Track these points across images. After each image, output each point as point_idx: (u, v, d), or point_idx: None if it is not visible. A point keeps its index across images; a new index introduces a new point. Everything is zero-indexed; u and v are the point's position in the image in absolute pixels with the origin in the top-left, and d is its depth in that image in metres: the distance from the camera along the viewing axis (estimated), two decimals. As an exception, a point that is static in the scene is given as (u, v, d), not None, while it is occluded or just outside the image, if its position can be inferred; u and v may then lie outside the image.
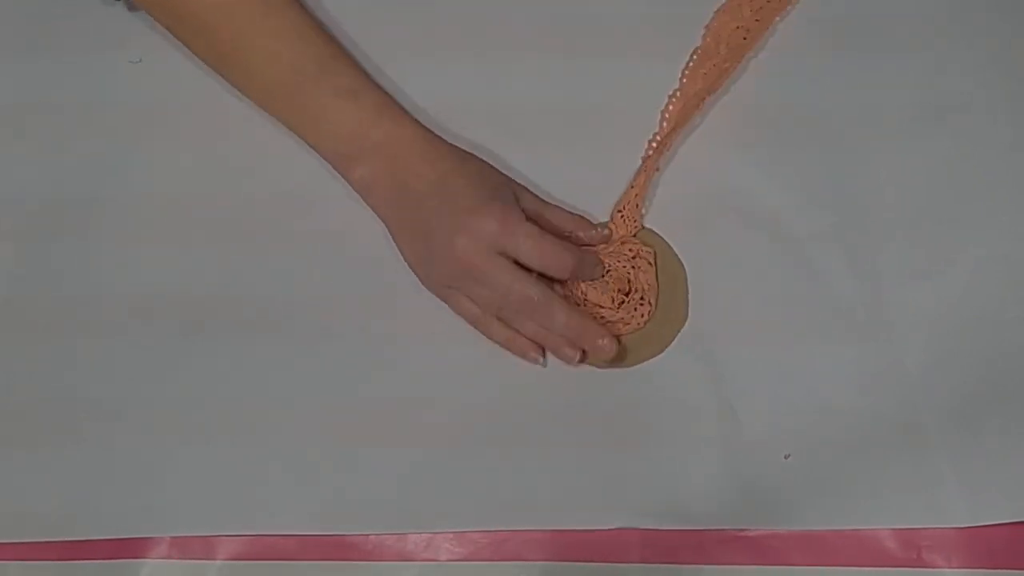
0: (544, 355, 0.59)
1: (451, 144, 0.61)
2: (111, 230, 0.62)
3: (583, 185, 0.63)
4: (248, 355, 0.60)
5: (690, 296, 0.61)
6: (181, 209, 0.63)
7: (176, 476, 0.58)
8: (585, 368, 0.59)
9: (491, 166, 0.61)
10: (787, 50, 0.66)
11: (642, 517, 0.57)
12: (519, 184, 0.62)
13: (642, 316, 0.60)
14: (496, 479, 0.58)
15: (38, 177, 0.64)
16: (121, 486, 0.57)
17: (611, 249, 0.61)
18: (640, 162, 0.63)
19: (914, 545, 0.56)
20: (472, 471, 0.58)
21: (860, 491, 0.57)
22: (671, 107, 0.64)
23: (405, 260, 0.60)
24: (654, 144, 0.64)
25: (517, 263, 0.57)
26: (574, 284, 0.60)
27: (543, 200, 0.62)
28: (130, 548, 0.57)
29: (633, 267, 0.61)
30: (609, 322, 0.60)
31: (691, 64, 0.65)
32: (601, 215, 0.63)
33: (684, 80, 0.65)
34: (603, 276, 0.60)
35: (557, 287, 0.60)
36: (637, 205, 0.62)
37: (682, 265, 0.61)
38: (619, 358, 0.59)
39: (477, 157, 0.61)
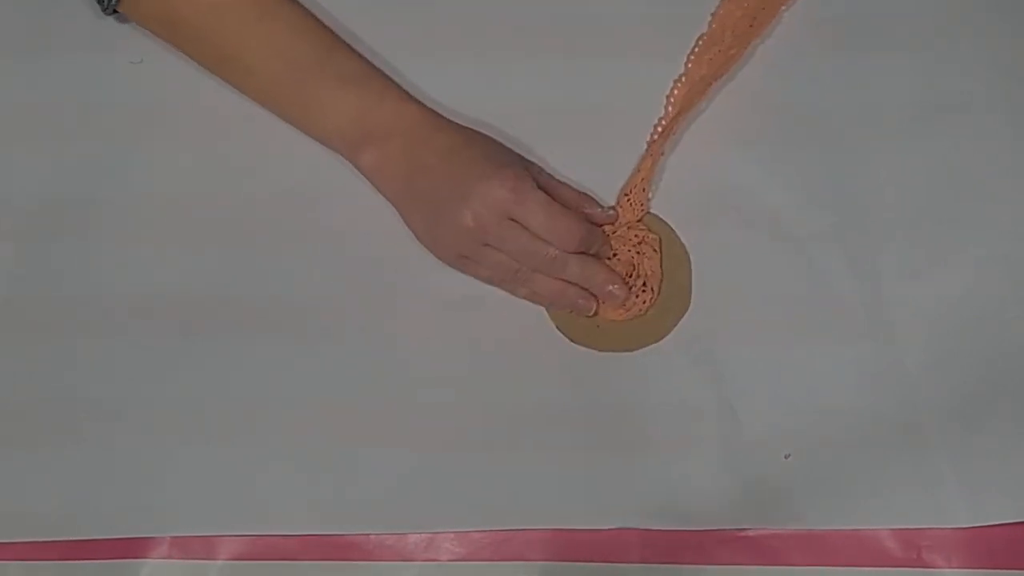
0: (597, 302, 0.60)
1: (457, 123, 0.61)
2: (111, 230, 0.62)
3: (582, 185, 0.63)
4: (248, 355, 0.60)
5: (693, 285, 0.61)
6: (181, 209, 0.63)
7: (176, 476, 0.58)
8: (588, 356, 0.60)
9: (498, 141, 0.62)
10: (787, 50, 0.66)
11: (642, 517, 0.57)
12: (527, 159, 0.62)
13: (644, 302, 0.60)
14: (496, 479, 0.58)
15: (38, 177, 0.64)
16: (121, 486, 0.58)
17: (617, 234, 0.62)
18: (645, 147, 0.63)
19: (914, 545, 0.56)
20: (472, 471, 0.58)
21: (860, 491, 0.57)
22: (676, 91, 0.64)
23: (417, 237, 0.61)
24: (659, 128, 0.64)
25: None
26: None
27: (551, 176, 0.62)
28: (130, 548, 0.57)
29: (638, 253, 0.61)
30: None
31: (696, 49, 0.65)
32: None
33: (689, 65, 0.65)
34: (609, 259, 0.61)
35: None
36: (644, 189, 0.62)
37: (686, 252, 0.62)
38: (622, 342, 0.59)
39: (483, 133, 0.62)
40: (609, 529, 0.57)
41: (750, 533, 0.57)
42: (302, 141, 0.63)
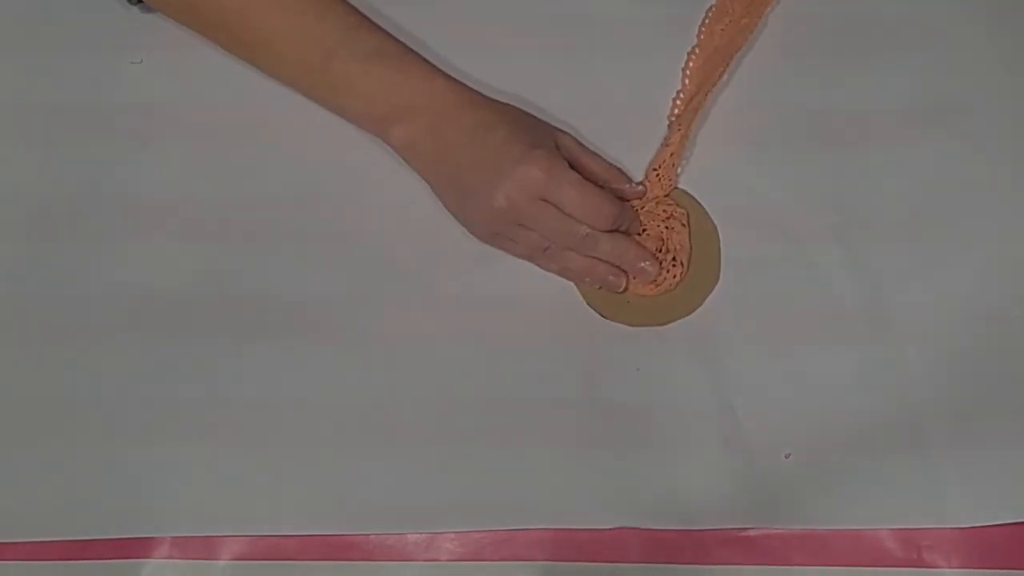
0: (627, 278, 0.61)
1: (484, 95, 0.61)
2: (111, 230, 0.62)
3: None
4: (249, 355, 0.60)
5: (722, 258, 0.61)
6: (181, 209, 0.63)
7: (176, 476, 0.58)
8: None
9: (528, 113, 0.62)
10: (787, 50, 0.66)
11: (642, 517, 0.57)
12: (558, 128, 0.62)
13: (675, 277, 0.61)
14: (497, 479, 0.58)
15: (38, 177, 0.64)
16: (121, 486, 0.58)
17: (645, 209, 0.62)
18: (667, 123, 0.64)
19: (914, 545, 0.56)
20: (472, 471, 0.58)
21: (860, 491, 0.57)
22: (691, 64, 0.65)
23: (449, 211, 0.61)
24: (678, 102, 0.64)
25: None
26: None
27: (582, 145, 0.62)
28: (131, 548, 0.57)
29: (667, 228, 0.61)
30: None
31: (707, 21, 0.65)
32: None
33: (701, 36, 0.65)
34: (638, 234, 0.61)
35: None
36: (673, 164, 0.62)
37: (715, 226, 0.62)
38: (653, 317, 0.60)
39: (513, 106, 0.62)
40: (609, 529, 0.57)
41: (750, 533, 0.57)
42: (302, 141, 0.64)
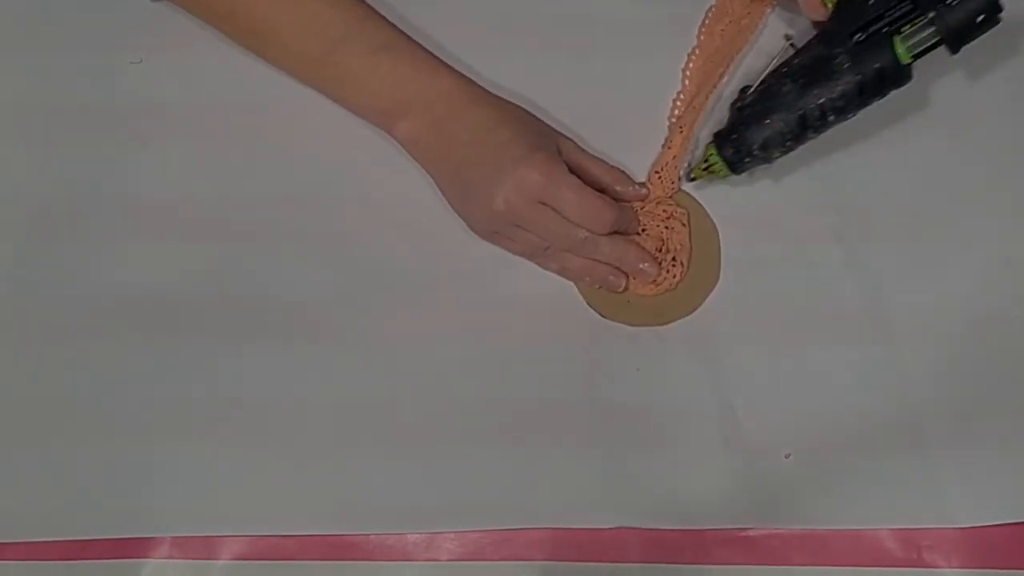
0: (627, 278, 0.61)
1: (491, 93, 0.61)
2: (111, 230, 0.62)
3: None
4: (249, 355, 0.60)
5: (722, 258, 0.61)
6: (181, 209, 0.63)
7: (177, 476, 0.58)
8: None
9: (532, 115, 0.62)
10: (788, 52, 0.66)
11: (642, 517, 0.57)
12: (560, 133, 0.62)
13: (674, 276, 0.61)
14: (496, 479, 0.58)
15: (38, 177, 0.63)
16: (121, 486, 0.58)
17: (646, 209, 0.62)
18: (667, 125, 0.64)
19: (914, 545, 0.56)
20: (472, 471, 0.58)
21: (860, 491, 0.57)
22: (691, 64, 0.65)
23: (451, 207, 0.61)
24: (678, 103, 0.64)
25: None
26: None
27: (584, 150, 0.62)
28: (131, 548, 0.57)
29: (667, 227, 0.62)
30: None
31: (706, 21, 0.65)
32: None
33: (701, 37, 0.65)
34: (638, 234, 0.61)
35: None
36: (675, 166, 0.63)
37: (715, 227, 0.62)
38: (653, 317, 0.60)
39: (518, 106, 0.62)
40: (609, 529, 0.57)
41: (750, 533, 0.57)
42: (302, 141, 0.64)
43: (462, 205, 0.61)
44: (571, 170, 0.59)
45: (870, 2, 0.57)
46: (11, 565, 0.56)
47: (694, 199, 0.63)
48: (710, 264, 0.61)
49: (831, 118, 0.58)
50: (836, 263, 0.61)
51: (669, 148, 0.63)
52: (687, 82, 0.65)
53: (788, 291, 0.61)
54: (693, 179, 0.62)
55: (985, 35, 0.58)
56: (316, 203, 0.63)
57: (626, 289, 0.61)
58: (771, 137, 0.58)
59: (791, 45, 0.61)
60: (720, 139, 0.60)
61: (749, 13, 0.65)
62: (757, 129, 0.59)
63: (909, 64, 0.57)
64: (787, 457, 0.58)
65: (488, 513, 0.57)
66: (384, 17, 0.61)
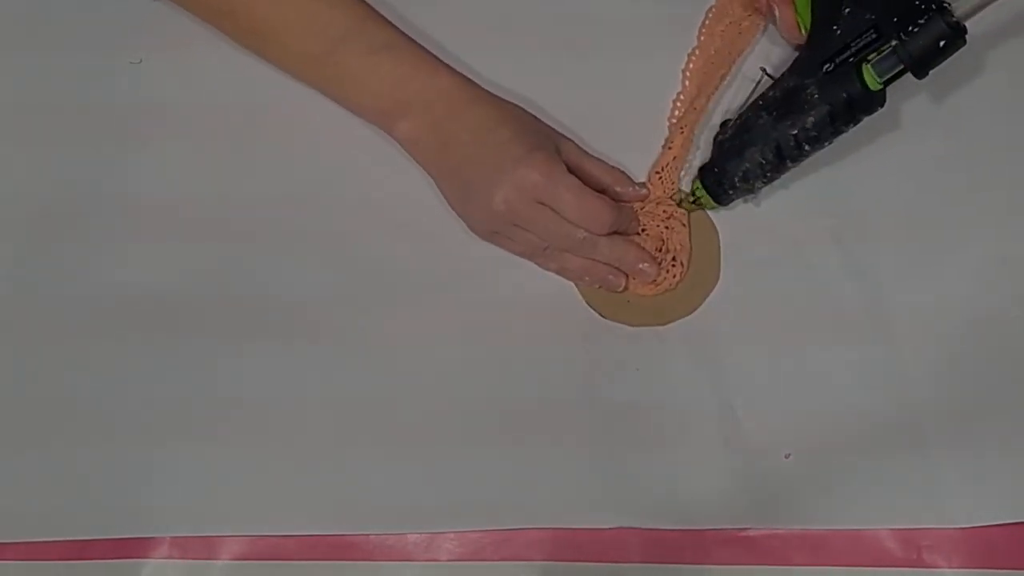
0: (627, 277, 0.61)
1: (491, 93, 0.61)
2: (111, 230, 0.62)
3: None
4: (249, 355, 0.60)
5: (722, 258, 0.62)
6: (181, 209, 0.63)
7: (176, 476, 0.58)
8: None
9: (532, 115, 0.62)
10: (788, 52, 0.66)
11: (642, 517, 0.57)
12: (560, 133, 0.62)
13: (674, 276, 0.61)
14: (496, 479, 0.58)
15: (38, 177, 0.63)
16: (121, 486, 0.58)
17: (646, 209, 0.62)
18: (667, 126, 0.64)
19: (914, 545, 0.56)
20: (472, 471, 0.58)
21: (860, 491, 0.57)
22: (691, 65, 0.65)
23: (451, 207, 0.61)
24: (678, 103, 0.64)
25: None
26: None
27: (584, 151, 0.62)
28: (130, 548, 0.57)
29: (667, 227, 0.62)
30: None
31: (706, 22, 0.66)
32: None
33: (701, 38, 0.65)
34: (638, 234, 0.61)
35: None
36: (676, 167, 0.63)
37: (715, 227, 0.62)
38: (653, 317, 0.60)
39: (517, 106, 0.62)
40: (609, 529, 0.57)
41: (750, 533, 0.57)
42: (302, 141, 0.64)
43: (462, 205, 0.61)
44: (571, 170, 0.59)
45: (836, 33, 0.58)
46: (11, 565, 0.56)
47: None
48: (710, 264, 0.61)
49: (807, 148, 0.58)
50: (836, 263, 0.61)
51: (670, 149, 0.63)
52: (687, 83, 0.65)
53: (788, 291, 0.61)
54: (683, 211, 0.62)
55: (985, 35, 0.58)
56: (316, 203, 0.63)
57: (626, 289, 0.61)
58: (750, 169, 0.59)
59: (768, 76, 0.61)
60: (704, 172, 0.61)
61: (749, 16, 0.65)
62: (736, 162, 0.59)
63: (882, 90, 0.57)
64: (787, 457, 0.58)
65: (488, 513, 0.57)
66: (384, 17, 0.61)
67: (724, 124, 0.61)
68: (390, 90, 0.60)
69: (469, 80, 0.61)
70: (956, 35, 0.56)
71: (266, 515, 0.57)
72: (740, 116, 0.61)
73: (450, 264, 0.62)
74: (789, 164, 0.59)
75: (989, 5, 0.55)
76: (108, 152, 0.64)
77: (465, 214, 0.61)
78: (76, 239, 0.62)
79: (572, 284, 0.62)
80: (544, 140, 0.60)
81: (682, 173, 0.63)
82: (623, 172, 0.63)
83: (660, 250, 0.61)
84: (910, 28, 0.56)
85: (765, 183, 0.60)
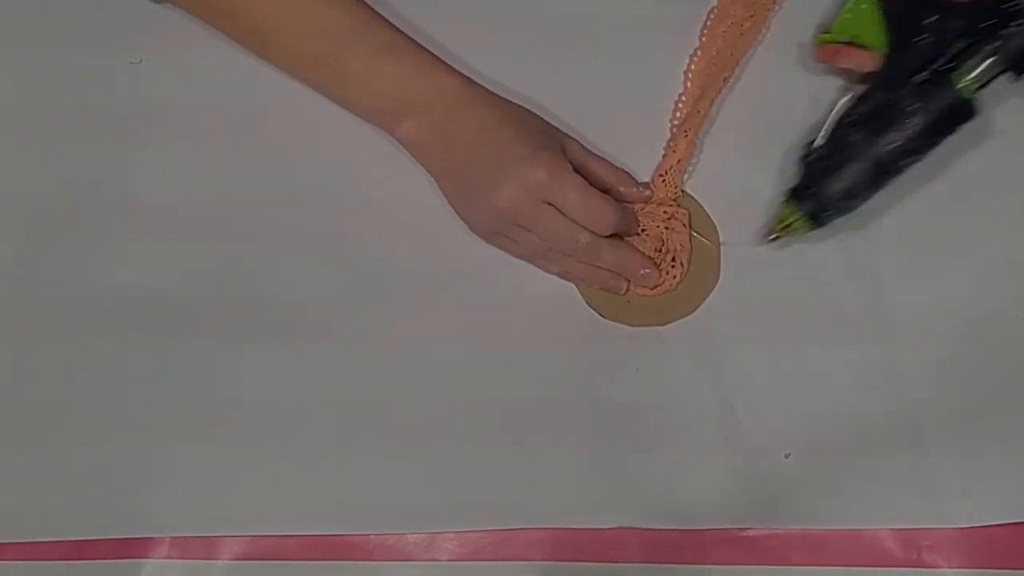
0: (628, 281, 0.61)
1: (494, 93, 0.61)
2: (111, 230, 0.62)
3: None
4: (248, 355, 0.60)
5: (722, 258, 0.62)
6: (181, 209, 0.63)
7: (176, 476, 0.58)
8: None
9: (536, 115, 0.62)
10: (788, 53, 0.66)
11: (642, 517, 0.57)
12: (564, 133, 0.62)
13: (674, 277, 0.61)
14: (496, 479, 0.58)
15: (38, 177, 0.63)
16: (121, 486, 0.58)
17: (646, 209, 0.62)
18: (668, 128, 0.64)
19: (914, 545, 0.56)
20: (472, 471, 0.58)
21: (860, 491, 0.57)
22: (693, 66, 0.65)
23: (452, 208, 0.61)
24: (680, 105, 0.64)
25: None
26: None
27: (588, 150, 0.62)
28: (130, 548, 0.57)
29: (667, 228, 0.62)
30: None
31: (708, 23, 0.66)
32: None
33: (703, 39, 0.65)
34: (637, 235, 0.61)
35: None
36: (680, 171, 0.63)
37: (715, 226, 0.62)
38: (653, 317, 0.60)
39: (521, 106, 0.62)
40: (609, 529, 0.57)
41: (750, 533, 0.57)
42: (302, 141, 0.64)
43: (464, 206, 0.61)
44: (576, 170, 0.58)
45: (922, 44, 0.57)
46: (11, 565, 0.56)
47: (694, 199, 0.63)
48: (710, 264, 0.62)
49: (904, 161, 0.58)
50: (836, 263, 0.61)
51: (674, 152, 0.63)
52: (689, 84, 0.65)
53: (788, 291, 0.61)
54: (774, 239, 0.61)
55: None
56: (316, 203, 0.63)
57: (627, 291, 0.61)
58: (850, 188, 0.58)
59: (850, 95, 0.60)
60: (797, 195, 0.60)
61: (751, 16, 0.65)
62: (834, 181, 0.58)
63: (972, 97, 0.57)
64: (787, 457, 0.58)
65: (488, 513, 0.57)
66: (385, 18, 0.61)
67: (809, 144, 0.61)
68: (391, 91, 0.60)
69: (471, 80, 0.61)
70: None
71: (266, 515, 0.57)
72: (828, 134, 0.60)
73: (450, 264, 0.62)
74: (887, 180, 0.59)
75: None
76: (108, 152, 0.64)
77: (467, 215, 0.61)
78: (76, 239, 0.62)
79: (572, 284, 0.62)
80: (549, 140, 0.60)
81: (685, 176, 0.63)
82: (627, 173, 0.63)
83: (660, 251, 0.61)
84: (1008, 30, 0.56)
85: (863, 201, 0.60)
